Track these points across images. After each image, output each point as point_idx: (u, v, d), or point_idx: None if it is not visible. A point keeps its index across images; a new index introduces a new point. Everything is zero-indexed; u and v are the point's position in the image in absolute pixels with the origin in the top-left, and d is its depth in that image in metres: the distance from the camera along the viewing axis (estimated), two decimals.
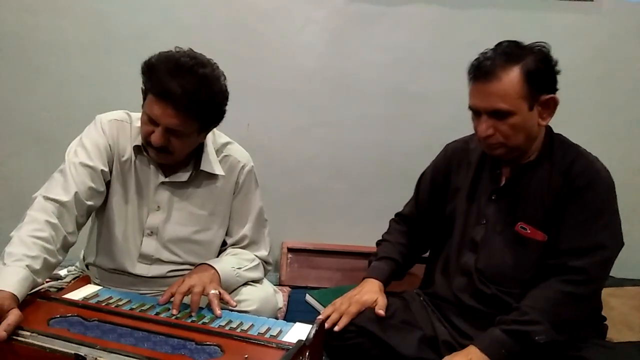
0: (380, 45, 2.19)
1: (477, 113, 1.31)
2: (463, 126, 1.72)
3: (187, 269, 1.45)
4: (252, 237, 1.52)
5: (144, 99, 1.33)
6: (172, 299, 1.23)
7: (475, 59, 1.30)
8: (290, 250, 2.29)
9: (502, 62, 1.24)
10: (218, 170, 1.44)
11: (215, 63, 1.34)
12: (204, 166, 1.42)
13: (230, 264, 1.39)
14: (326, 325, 1.32)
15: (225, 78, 1.35)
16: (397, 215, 1.65)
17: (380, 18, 2.17)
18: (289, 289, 2.17)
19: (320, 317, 1.30)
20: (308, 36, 2.19)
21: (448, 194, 1.48)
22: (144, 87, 1.32)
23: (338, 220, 2.35)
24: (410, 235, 1.58)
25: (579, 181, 1.28)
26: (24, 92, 2.20)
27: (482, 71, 1.26)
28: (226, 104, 1.37)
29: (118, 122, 1.42)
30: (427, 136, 2.25)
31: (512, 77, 1.23)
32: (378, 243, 1.61)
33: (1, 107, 2.21)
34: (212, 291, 1.24)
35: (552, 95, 1.27)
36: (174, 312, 1.19)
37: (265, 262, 1.54)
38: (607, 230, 1.27)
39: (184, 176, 1.42)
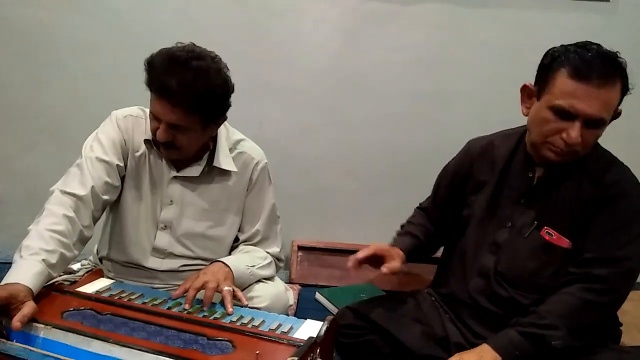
0: (393, 44, 2.19)
1: (567, 115, 1.18)
2: (476, 126, 1.72)
3: (200, 263, 1.47)
4: (264, 234, 1.53)
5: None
6: (185, 294, 1.24)
7: (575, 55, 1.17)
8: (300, 248, 2.30)
9: (612, 69, 1.16)
10: (230, 166, 1.44)
11: (216, 56, 1.34)
12: (216, 162, 1.42)
13: (244, 261, 1.40)
14: (350, 263, 1.34)
15: (227, 69, 1.35)
16: (419, 205, 1.64)
17: (394, 17, 2.17)
18: (299, 287, 2.18)
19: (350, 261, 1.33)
20: (321, 35, 2.19)
21: (467, 192, 1.45)
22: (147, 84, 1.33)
23: (349, 219, 2.35)
24: (432, 222, 1.56)
25: (610, 190, 1.24)
26: (39, 88, 2.23)
27: (600, 74, 1.15)
28: (229, 96, 1.36)
29: (133, 117, 1.43)
30: (439, 136, 2.25)
31: (618, 87, 1.17)
32: (401, 226, 1.59)
33: (16, 102, 2.24)
34: (226, 288, 1.24)
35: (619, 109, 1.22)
36: (187, 306, 1.20)
37: (277, 258, 1.55)
38: (635, 243, 1.23)
39: (195, 171, 1.43)
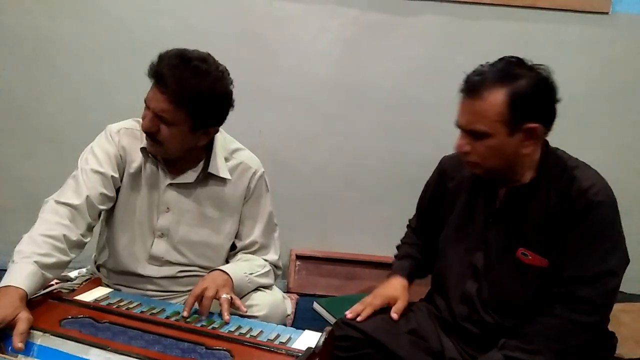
0: (393, 54, 2.21)
1: (460, 128, 1.26)
2: None
3: (197, 270, 1.48)
4: (262, 242, 1.53)
5: None
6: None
7: (471, 72, 1.24)
8: (298, 257, 2.30)
9: (491, 81, 1.18)
10: (225, 174, 1.44)
11: (226, 70, 1.35)
12: (211, 169, 1.42)
13: (243, 269, 1.40)
14: (349, 315, 1.32)
15: (233, 85, 1.36)
16: (409, 221, 1.64)
17: (394, 28, 2.18)
18: (297, 297, 2.17)
19: (347, 314, 1.33)
20: (322, 45, 2.20)
21: (445, 210, 1.44)
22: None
23: (347, 229, 2.35)
24: (421, 240, 1.56)
25: (578, 203, 1.20)
26: (40, 95, 2.24)
27: (468, 86, 1.21)
28: (225, 109, 1.36)
29: (127, 130, 1.44)
30: (439, 146, 2.22)
31: (496, 99, 1.17)
32: (397, 247, 1.60)
33: (17, 109, 2.24)
34: (224, 295, 1.24)
35: (537, 124, 1.19)
36: (185, 313, 1.20)
37: (275, 266, 1.55)
38: (612, 256, 1.20)
39: (190, 177, 1.43)
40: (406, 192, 2.28)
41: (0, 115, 2.25)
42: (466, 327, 1.33)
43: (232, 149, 1.50)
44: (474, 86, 1.20)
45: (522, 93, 1.17)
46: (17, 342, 0.99)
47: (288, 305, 1.55)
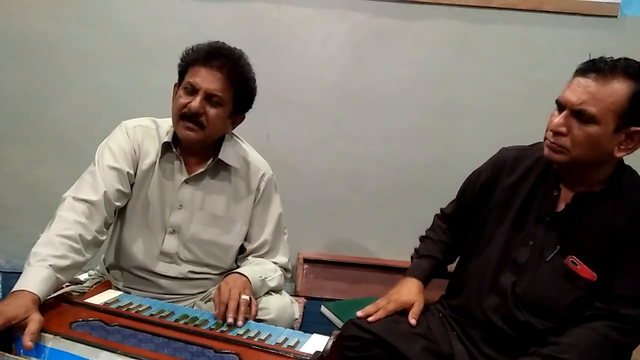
0: (401, 59, 2.21)
1: (561, 107, 1.20)
2: (483, 141, 1.73)
3: (207, 271, 1.50)
4: (272, 244, 1.55)
5: (179, 85, 1.43)
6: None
7: (596, 59, 1.19)
8: (306, 261, 2.30)
9: (620, 70, 1.14)
10: (235, 163, 1.48)
11: None
12: (221, 155, 1.45)
13: (258, 272, 1.41)
14: (359, 314, 1.33)
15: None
16: (441, 210, 1.60)
17: (402, 32, 2.18)
18: (305, 300, 2.18)
19: (358, 313, 1.33)
20: (330, 50, 2.21)
21: (492, 203, 1.40)
22: (181, 72, 1.43)
23: (355, 233, 2.35)
24: (451, 232, 1.54)
25: None
26: (51, 100, 2.26)
27: (594, 67, 1.16)
28: (254, 97, 1.48)
29: (143, 127, 1.47)
30: (447, 151, 2.25)
31: (620, 88, 1.13)
32: (421, 239, 1.57)
33: (29, 114, 2.27)
34: (244, 297, 1.26)
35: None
36: (220, 321, 1.22)
37: (284, 269, 1.56)
38: None
39: (203, 166, 1.46)
40: (414, 196, 2.30)
41: (11, 120, 2.27)
42: (493, 321, 1.31)
43: (243, 149, 1.54)
44: (602, 69, 1.15)
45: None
46: (27, 341, 1.00)
47: (296, 309, 1.56)
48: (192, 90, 1.37)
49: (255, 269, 1.44)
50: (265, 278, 1.42)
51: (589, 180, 1.25)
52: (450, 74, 2.21)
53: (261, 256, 1.54)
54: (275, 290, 1.49)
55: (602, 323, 1.19)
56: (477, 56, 2.19)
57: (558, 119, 1.19)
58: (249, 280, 1.34)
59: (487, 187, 1.42)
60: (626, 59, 1.18)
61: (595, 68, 1.16)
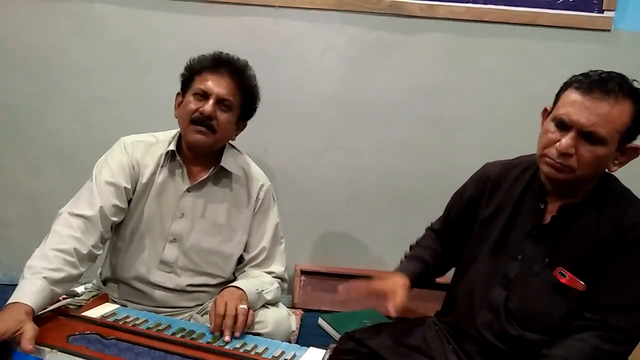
0: (397, 72, 2.23)
1: (564, 126, 1.17)
2: (479, 152, 1.74)
3: (205, 282, 1.50)
4: (268, 252, 1.56)
5: (184, 93, 1.49)
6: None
7: (590, 73, 1.18)
8: (303, 272, 2.30)
9: (626, 89, 1.14)
10: (236, 170, 1.52)
11: None
12: (223, 162, 1.49)
13: (254, 285, 1.42)
14: (340, 288, 1.35)
15: None
16: (431, 225, 1.60)
17: (399, 46, 2.21)
18: (302, 312, 2.17)
19: (340, 287, 1.35)
20: (327, 63, 2.23)
21: (479, 217, 1.40)
22: (185, 81, 1.49)
23: (352, 244, 2.36)
24: (442, 244, 1.53)
25: (630, 234, 1.19)
26: (49, 113, 2.27)
27: (601, 86, 1.14)
28: (258, 104, 1.56)
29: (141, 142, 1.49)
30: (442, 162, 2.27)
31: (626, 108, 1.13)
32: (411, 247, 1.57)
33: (25, 126, 2.27)
34: (242, 306, 1.26)
35: (637, 145, 1.19)
36: (226, 338, 1.20)
37: (281, 278, 1.57)
38: None
39: (205, 174, 1.49)
40: (410, 207, 2.31)
41: (8, 132, 2.28)
42: (486, 337, 1.31)
43: (242, 159, 1.58)
44: (610, 89, 1.13)
45: None
46: (27, 345, 1.00)
47: (293, 322, 1.56)
48: (204, 95, 1.42)
49: (252, 281, 1.45)
50: (262, 291, 1.43)
51: (577, 192, 1.26)
52: (446, 86, 2.23)
53: (258, 265, 1.55)
54: (272, 303, 1.50)
55: (591, 334, 1.18)
56: (472, 69, 2.21)
57: (567, 140, 1.15)
58: (245, 293, 1.34)
59: (473, 203, 1.42)
60: (622, 75, 1.18)
61: (602, 86, 1.14)
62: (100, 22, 2.21)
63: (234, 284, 1.39)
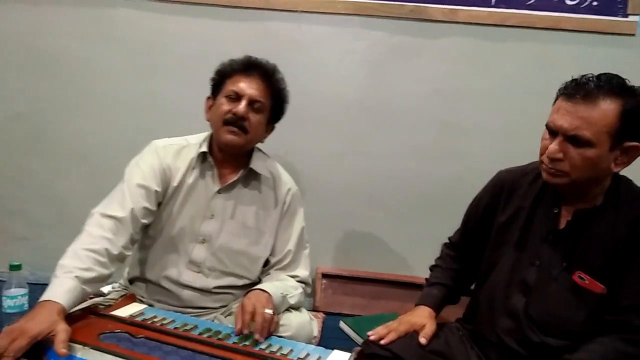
0: (419, 76, 2.23)
1: (553, 132, 1.20)
2: (499, 157, 1.74)
3: (232, 284, 1.52)
4: (294, 256, 1.58)
5: (215, 96, 1.53)
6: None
7: (579, 77, 1.20)
8: (324, 276, 2.30)
9: (606, 90, 1.15)
10: (265, 172, 1.55)
11: None
12: (252, 165, 1.52)
13: (279, 289, 1.44)
14: (372, 337, 1.31)
15: None
16: (448, 239, 1.61)
17: (420, 50, 2.21)
18: (323, 315, 2.18)
19: (369, 333, 1.32)
20: (347, 67, 2.24)
21: (495, 225, 1.41)
22: (216, 85, 1.53)
23: (373, 248, 2.36)
24: (460, 260, 1.54)
25: None
26: (73, 116, 2.31)
27: (580, 90, 1.16)
28: (287, 107, 1.59)
29: (173, 146, 1.52)
30: (463, 167, 2.26)
31: (610, 108, 1.13)
32: (431, 269, 1.58)
33: (51, 129, 2.32)
34: (267, 310, 1.28)
35: (636, 143, 1.17)
36: (245, 332, 1.23)
37: (305, 283, 1.59)
38: None
39: (235, 175, 1.52)
40: (431, 212, 2.30)
41: (34, 134, 2.33)
42: (507, 343, 1.31)
43: (271, 163, 1.62)
44: (588, 90, 1.15)
45: (634, 109, 1.15)
46: (60, 349, 1.03)
47: (314, 327, 1.58)
48: (236, 97, 1.46)
49: (277, 284, 1.46)
50: (286, 295, 1.44)
51: (588, 195, 1.26)
52: (467, 91, 2.23)
53: (283, 268, 1.56)
54: (295, 307, 1.51)
55: (613, 336, 1.18)
56: (493, 74, 2.21)
57: (553, 145, 1.19)
58: (271, 296, 1.36)
59: (489, 212, 1.43)
60: (609, 75, 1.19)
61: (582, 90, 1.16)
62: (123, 27, 2.25)
63: (259, 286, 1.41)
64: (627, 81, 1.19)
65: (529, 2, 2.13)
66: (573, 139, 1.16)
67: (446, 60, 2.22)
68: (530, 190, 1.36)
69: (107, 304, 1.36)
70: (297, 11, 2.20)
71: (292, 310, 1.49)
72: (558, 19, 2.13)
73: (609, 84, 1.16)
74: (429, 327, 1.35)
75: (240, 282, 1.54)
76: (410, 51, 2.22)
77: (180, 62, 2.24)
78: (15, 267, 1.54)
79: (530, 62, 2.18)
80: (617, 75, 1.19)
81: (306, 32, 2.23)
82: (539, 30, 2.16)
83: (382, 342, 1.31)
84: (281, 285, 1.47)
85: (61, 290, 1.15)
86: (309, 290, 1.61)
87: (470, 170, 2.24)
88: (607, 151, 1.17)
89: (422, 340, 1.32)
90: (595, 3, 2.11)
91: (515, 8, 2.14)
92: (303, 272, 1.58)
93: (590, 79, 1.18)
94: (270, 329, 1.28)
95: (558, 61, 2.17)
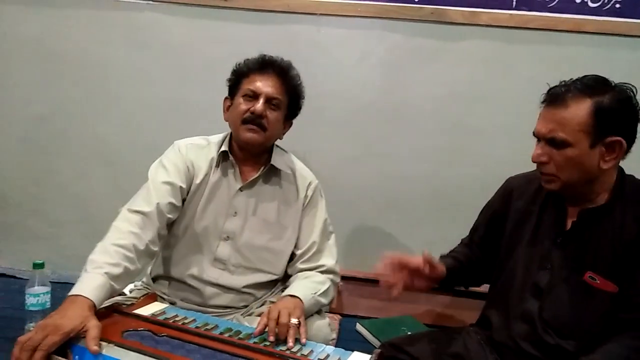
0: (437, 79, 2.23)
1: (538, 139, 1.27)
2: (518, 161, 1.72)
3: (257, 281, 1.54)
4: (319, 246, 1.59)
5: (232, 97, 1.55)
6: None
7: (554, 85, 1.27)
8: (341, 278, 2.30)
9: (576, 91, 1.20)
10: (285, 168, 1.58)
11: None
12: (273, 161, 1.55)
13: (309, 289, 1.44)
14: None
15: None
16: (461, 241, 1.63)
17: (440, 53, 2.21)
18: (340, 317, 2.18)
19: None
20: (367, 69, 2.25)
21: (506, 231, 1.43)
22: (233, 85, 1.55)
23: (389, 250, 2.34)
24: (473, 254, 1.55)
25: None
26: (97, 118, 2.35)
27: (552, 95, 1.24)
28: (302, 103, 1.61)
29: (194, 145, 1.55)
30: (481, 170, 2.25)
31: (580, 108, 1.18)
32: (441, 256, 1.57)
33: (74, 131, 2.37)
34: (293, 321, 1.25)
35: (619, 138, 1.19)
36: (271, 338, 1.20)
37: (332, 272, 1.59)
38: None
39: (256, 172, 1.54)
40: (448, 215, 2.29)
41: (59, 136, 2.37)
42: (523, 348, 1.31)
43: (290, 159, 1.64)
44: (558, 95, 1.22)
45: (607, 105, 1.18)
46: (92, 346, 1.05)
47: (332, 329, 1.57)
48: (253, 96, 1.48)
49: (305, 284, 1.47)
50: (316, 293, 1.44)
51: (590, 195, 1.28)
52: (487, 94, 2.22)
53: (309, 259, 1.57)
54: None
55: (627, 335, 1.19)
56: (514, 77, 2.19)
57: (536, 150, 1.26)
58: (301, 301, 1.36)
59: (499, 218, 1.46)
60: (584, 77, 1.23)
61: (554, 94, 1.23)
62: (148, 30, 2.28)
63: (287, 292, 1.41)
64: (606, 79, 1.23)
65: (550, 5, 2.12)
66: (552, 142, 1.22)
67: (466, 63, 2.21)
68: (538, 195, 1.39)
69: (129, 302, 1.38)
70: (317, 14, 2.21)
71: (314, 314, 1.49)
72: (580, 22, 2.11)
73: (580, 85, 1.21)
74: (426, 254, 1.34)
75: (266, 278, 1.56)
76: (430, 54, 2.21)
77: (202, 65, 2.27)
78: (38, 266, 1.56)
79: (552, 65, 2.16)
80: (593, 76, 1.24)
81: (326, 35, 2.24)
82: (560, 33, 2.14)
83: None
84: (309, 284, 1.48)
85: (92, 285, 1.18)
86: (337, 279, 1.61)
87: (487, 174, 2.21)
88: (587, 149, 1.20)
89: (421, 261, 1.34)
90: (617, 5, 2.10)
91: (537, 10, 2.13)
92: (329, 260, 1.59)
93: (563, 84, 1.25)
94: (301, 334, 1.24)
95: (581, 64, 2.14)
